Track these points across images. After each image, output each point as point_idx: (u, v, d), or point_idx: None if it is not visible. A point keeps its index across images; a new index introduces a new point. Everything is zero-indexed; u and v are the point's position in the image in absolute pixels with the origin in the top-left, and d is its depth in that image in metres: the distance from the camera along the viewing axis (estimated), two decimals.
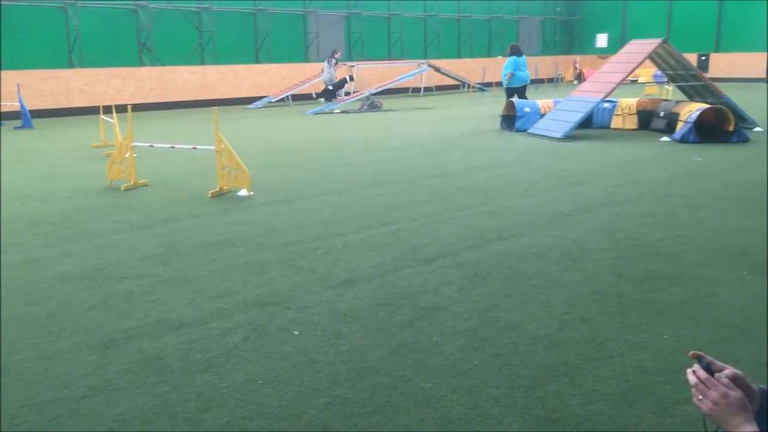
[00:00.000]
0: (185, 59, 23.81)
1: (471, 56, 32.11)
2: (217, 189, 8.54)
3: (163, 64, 23.12)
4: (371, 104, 21.17)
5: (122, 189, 8.92)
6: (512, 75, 16.38)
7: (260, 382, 3.56)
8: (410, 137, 14.03)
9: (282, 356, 3.86)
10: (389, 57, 29.27)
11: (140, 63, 22.94)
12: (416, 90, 27.33)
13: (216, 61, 24.41)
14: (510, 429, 3.08)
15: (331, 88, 22.72)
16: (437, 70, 27.24)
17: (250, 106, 22.91)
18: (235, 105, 23.44)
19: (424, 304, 4.68)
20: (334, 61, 22.66)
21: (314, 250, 6.02)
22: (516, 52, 16.43)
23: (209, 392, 3.46)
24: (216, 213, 7.58)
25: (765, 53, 30.16)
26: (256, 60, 25.70)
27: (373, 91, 22.36)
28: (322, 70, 22.96)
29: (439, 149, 12.22)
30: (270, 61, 25.66)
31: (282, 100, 23.43)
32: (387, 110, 20.72)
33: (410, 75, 25.25)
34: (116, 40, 22.53)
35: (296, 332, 4.21)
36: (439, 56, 30.38)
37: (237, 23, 25.30)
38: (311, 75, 24.67)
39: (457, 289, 4.96)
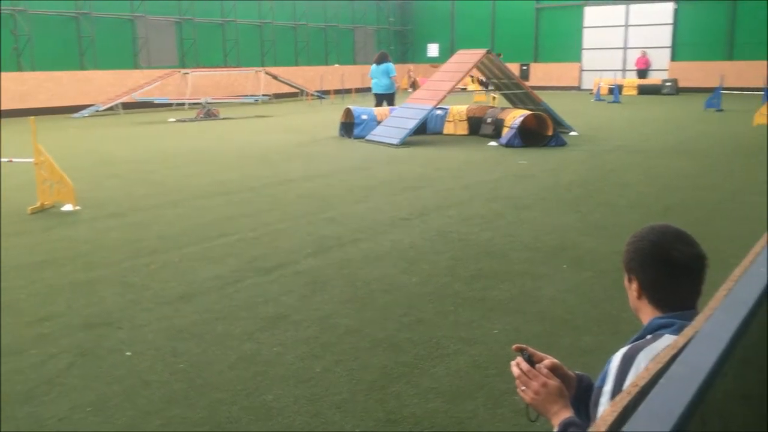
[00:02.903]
0: None
1: (308, 64, 32.21)
2: (38, 205, 7.92)
3: None
4: (207, 112, 20.61)
5: None
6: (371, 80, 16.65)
7: (88, 409, 3.34)
8: (248, 146, 13.82)
9: (113, 380, 3.65)
10: (225, 64, 28.67)
11: None
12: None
13: (34, 68, 22.66)
14: None
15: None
16: (274, 77, 27.08)
17: (75, 115, 21.48)
18: (58, 114, 21.87)
19: (264, 314, 4.62)
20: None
21: (148, 265, 5.75)
22: (375, 60, 16.57)
23: (30, 425, 3.19)
24: (37, 230, 7.03)
25: (578, 63, 32.85)
26: (81, 66, 24.15)
27: (211, 100, 21.80)
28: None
29: (279, 157, 12.14)
30: (96, 67, 24.22)
31: (111, 108, 22.20)
32: (224, 118, 20.27)
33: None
34: None
35: (128, 353, 3.99)
36: (276, 64, 30.18)
37: (57, 27, 23.63)
38: (143, 82, 23.59)
39: (298, 298, 4.94)
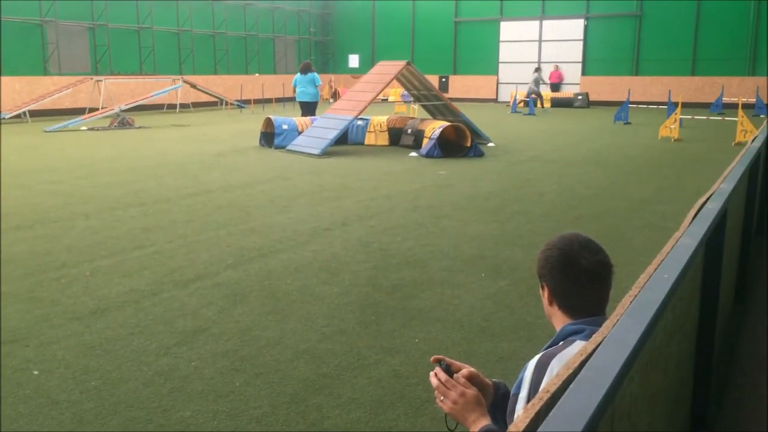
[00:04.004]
0: None
1: (228, 73, 31.76)
2: None
3: None
4: (122, 121, 19.97)
5: None
6: (294, 90, 17.04)
7: None
8: (166, 155, 13.48)
9: (18, 400, 3.47)
10: (141, 72, 27.91)
11: None
12: (172, 106, 26.37)
13: None
14: None
15: (534, 97, 26.56)
16: (193, 86, 26.56)
17: None
18: None
19: (182, 328, 4.50)
20: (539, 74, 26.82)
21: (58, 280, 5.51)
22: (300, 69, 17.06)
23: None
24: None
25: (495, 76, 33.68)
26: None
27: (124, 107, 21.15)
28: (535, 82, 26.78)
29: (197, 167, 11.89)
30: (2, 73, 23.12)
31: (18, 116, 21.24)
32: (140, 127, 19.71)
33: (164, 91, 24.31)
34: None
35: (36, 372, 3.81)
36: (194, 72, 29.61)
37: None
38: (53, 89, 22.68)
39: (218, 310, 4.85)
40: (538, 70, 27.53)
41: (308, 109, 16.97)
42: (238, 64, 32.85)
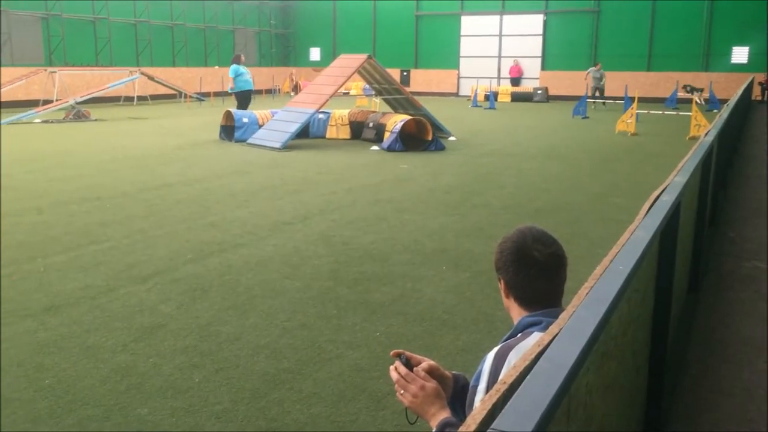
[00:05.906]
0: None
1: (187, 65, 31.28)
2: None
3: None
4: (77, 114, 19.54)
5: None
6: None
7: None
8: (123, 149, 13.22)
9: None
10: (97, 63, 27.32)
11: None
12: (129, 99, 25.88)
13: None
14: None
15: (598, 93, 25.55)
16: (151, 78, 26.10)
17: None
18: None
19: (139, 324, 4.43)
20: (598, 68, 25.46)
21: (9, 276, 5.37)
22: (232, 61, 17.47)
23: None
24: None
25: (456, 70, 33.83)
26: None
27: (80, 100, 20.69)
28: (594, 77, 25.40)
29: (155, 161, 11.70)
30: None
31: None
32: (96, 120, 19.30)
33: (121, 82, 23.84)
34: None
35: None
36: (152, 64, 29.09)
37: None
38: (5, 81, 22.05)
39: (176, 306, 4.78)
40: (597, 64, 26.40)
41: (236, 99, 17.39)
42: (197, 57, 32.38)
